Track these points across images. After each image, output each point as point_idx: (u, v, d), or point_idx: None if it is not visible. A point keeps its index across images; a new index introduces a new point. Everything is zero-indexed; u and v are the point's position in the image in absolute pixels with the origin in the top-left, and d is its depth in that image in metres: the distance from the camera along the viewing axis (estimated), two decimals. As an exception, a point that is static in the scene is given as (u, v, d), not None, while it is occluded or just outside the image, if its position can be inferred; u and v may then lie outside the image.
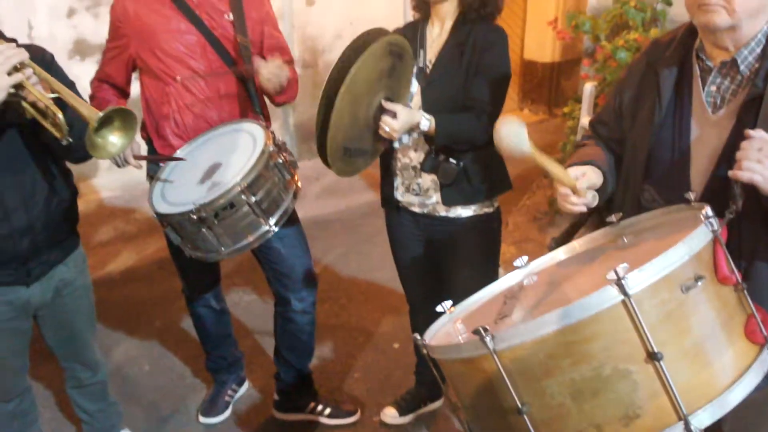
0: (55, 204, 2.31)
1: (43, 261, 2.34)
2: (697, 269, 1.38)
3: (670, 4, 4.88)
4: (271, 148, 2.38)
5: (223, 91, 2.68)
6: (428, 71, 2.49)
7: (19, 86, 1.97)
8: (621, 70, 4.57)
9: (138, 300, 4.29)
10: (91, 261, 4.72)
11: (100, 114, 1.92)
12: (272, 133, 2.52)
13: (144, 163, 2.66)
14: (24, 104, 2.03)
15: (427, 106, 2.44)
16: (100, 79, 2.78)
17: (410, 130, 2.38)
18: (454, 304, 1.75)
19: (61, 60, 5.07)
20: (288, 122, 6.46)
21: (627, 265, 1.28)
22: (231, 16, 2.65)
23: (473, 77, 2.40)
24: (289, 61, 2.74)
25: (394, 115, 2.27)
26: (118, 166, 2.55)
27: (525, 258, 1.84)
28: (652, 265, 1.32)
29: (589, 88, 5.04)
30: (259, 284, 4.16)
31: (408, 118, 2.30)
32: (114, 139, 2.01)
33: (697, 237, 1.41)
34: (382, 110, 2.28)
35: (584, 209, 1.82)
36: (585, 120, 5.05)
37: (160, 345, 3.85)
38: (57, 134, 2.02)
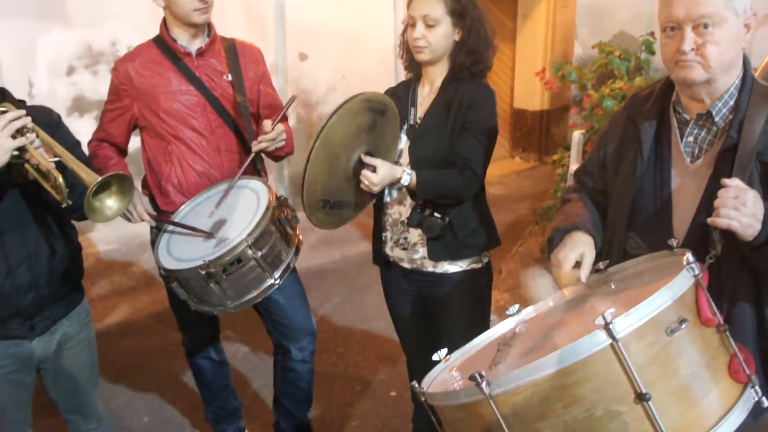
0: (59, 260, 2.37)
1: (47, 316, 2.38)
2: (681, 312, 1.45)
3: (653, 53, 5.04)
4: (275, 204, 2.46)
5: (224, 148, 2.77)
6: (417, 127, 2.57)
7: (22, 149, 2.07)
8: (608, 118, 4.69)
9: (136, 352, 4.32)
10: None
11: (99, 179, 2.00)
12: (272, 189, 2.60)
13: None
14: (27, 166, 2.12)
15: (414, 162, 2.52)
16: (99, 139, 2.85)
17: (392, 185, 2.44)
18: (449, 353, 1.80)
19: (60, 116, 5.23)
20: (282, 174, 6.54)
21: (614, 310, 1.35)
22: (229, 77, 2.75)
23: (459, 133, 2.47)
24: (284, 118, 2.84)
25: (374, 169, 2.33)
26: (129, 221, 2.63)
27: (516, 306, 1.90)
28: (637, 309, 1.39)
29: (577, 135, 5.16)
30: (255, 335, 4.21)
31: (388, 172, 2.35)
32: (111, 203, 2.10)
33: (679, 282, 1.48)
34: (362, 164, 2.35)
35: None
36: (574, 167, 5.15)
37: (159, 397, 3.86)
38: (57, 196, 2.09)
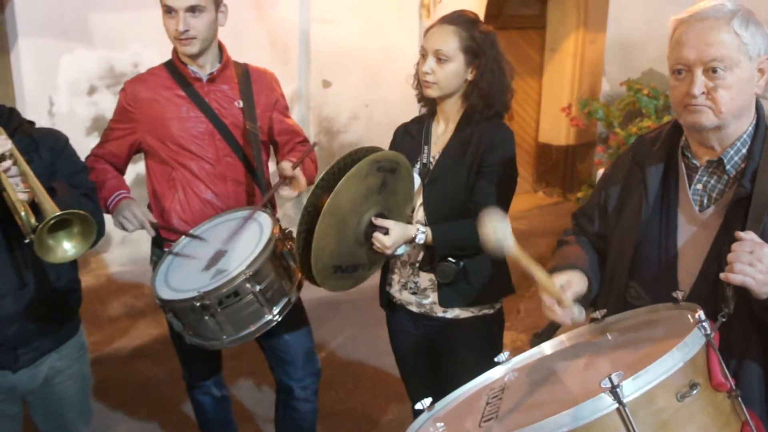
0: (49, 293, 2.27)
1: (34, 348, 2.28)
2: (692, 376, 1.34)
3: (682, 92, 4.92)
4: (277, 237, 2.37)
5: (230, 177, 2.69)
6: (431, 167, 2.46)
7: None
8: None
9: (143, 379, 4.24)
10: (99, 337, 4.79)
11: (58, 212, 1.86)
12: (278, 221, 2.53)
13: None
14: (4, 194, 2.00)
15: (428, 205, 2.42)
16: (97, 155, 2.77)
17: (407, 243, 2.33)
18: (434, 401, 1.70)
19: (79, 136, 5.24)
20: (302, 201, 6.47)
21: (622, 372, 1.24)
22: (240, 104, 2.68)
23: (476, 178, 2.36)
24: (303, 141, 2.78)
25: (386, 231, 2.24)
26: (125, 229, 2.56)
27: (506, 353, 1.80)
28: (647, 372, 1.28)
29: (601, 174, 5.05)
30: (261, 368, 4.06)
31: (401, 233, 2.26)
32: (67, 245, 1.94)
33: (690, 342, 1.37)
34: (374, 227, 2.26)
35: (569, 323, 1.78)
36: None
37: (160, 427, 3.77)
38: (23, 230, 1.95)
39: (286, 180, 2.57)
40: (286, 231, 2.46)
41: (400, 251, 2.37)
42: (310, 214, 2.17)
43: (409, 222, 2.44)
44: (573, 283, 1.83)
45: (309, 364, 2.84)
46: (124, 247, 5.68)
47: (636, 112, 5.11)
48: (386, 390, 4.11)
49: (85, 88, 5.42)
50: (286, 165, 2.56)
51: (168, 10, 2.53)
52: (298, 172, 2.57)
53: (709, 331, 1.40)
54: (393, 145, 2.62)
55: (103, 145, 2.78)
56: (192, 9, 2.53)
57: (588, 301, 1.92)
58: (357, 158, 2.19)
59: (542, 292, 1.78)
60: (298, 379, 2.84)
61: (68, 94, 5.36)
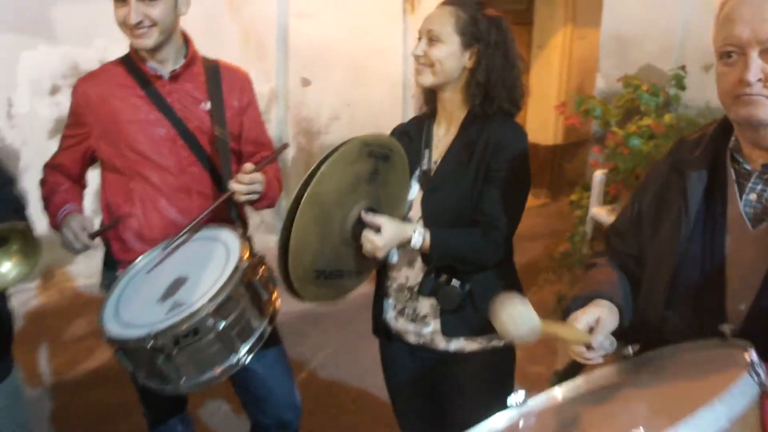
0: None
1: None
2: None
3: (683, 88, 4.64)
4: (247, 263, 2.03)
5: (195, 190, 2.34)
6: (432, 174, 2.15)
7: None
8: (634, 158, 4.29)
9: (108, 406, 3.86)
10: (62, 359, 4.42)
11: None
12: (249, 242, 2.19)
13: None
14: None
15: (428, 216, 2.10)
16: (51, 166, 2.45)
17: (401, 246, 2.02)
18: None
19: (41, 139, 4.87)
20: (281, 206, 6.17)
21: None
22: (208, 105, 2.34)
23: (483, 184, 2.05)
24: (272, 158, 2.44)
25: (378, 229, 1.92)
26: (73, 250, 2.23)
27: (522, 393, 1.52)
28: (686, 426, 1.02)
29: (599, 176, 4.76)
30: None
31: (395, 232, 1.94)
32: (6, 266, 1.70)
33: (739, 392, 1.10)
34: (363, 224, 1.95)
35: (601, 360, 1.53)
36: (595, 210, 4.76)
37: (125, 462, 3.43)
38: None
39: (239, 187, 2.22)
40: (257, 256, 2.12)
41: (393, 258, 2.05)
42: (292, 213, 1.85)
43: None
44: (603, 320, 1.55)
45: (288, 400, 2.52)
46: (91, 259, 5.28)
47: (634, 110, 4.81)
48: (371, 415, 3.78)
49: (47, 87, 5.06)
50: (248, 165, 2.23)
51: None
52: (256, 176, 2.23)
53: (764, 377, 1.14)
54: None
55: (56, 155, 2.46)
56: None
57: (619, 335, 1.62)
58: (342, 144, 1.90)
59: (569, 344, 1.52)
60: (276, 417, 2.50)
61: (29, 93, 4.99)
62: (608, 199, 4.83)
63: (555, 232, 6.40)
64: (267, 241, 6.20)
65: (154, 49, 2.26)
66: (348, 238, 1.96)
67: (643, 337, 1.59)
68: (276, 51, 5.88)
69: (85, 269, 5.32)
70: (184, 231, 2.21)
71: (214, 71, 2.38)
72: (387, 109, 6.49)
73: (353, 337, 4.62)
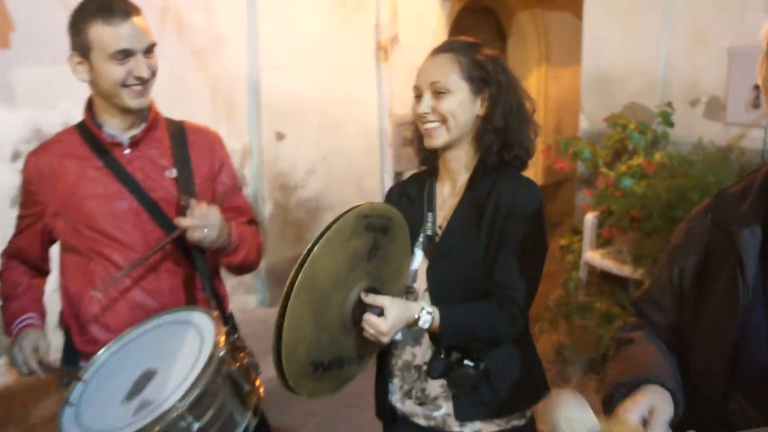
0: None
1: None
2: None
3: (671, 125, 4.50)
4: (224, 350, 1.77)
5: (163, 268, 2.09)
6: (437, 240, 1.92)
7: None
8: (628, 199, 4.11)
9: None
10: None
11: None
12: (232, 320, 1.95)
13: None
14: None
15: (434, 288, 1.87)
16: (10, 255, 2.21)
17: (407, 327, 1.77)
18: None
19: (3, 207, 4.59)
20: (260, 266, 5.92)
21: None
22: (174, 173, 2.10)
23: (496, 251, 1.82)
24: (250, 222, 2.20)
25: (380, 311, 1.68)
26: (20, 371, 1.97)
27: None
28: None
29: (590, 219, 4.59)
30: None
31: (400, 314, 1.70)
32: None
33: None
34: (363, 306, 1.71)
35: None
36: (589, 255, 4.57)
37: None
38: None
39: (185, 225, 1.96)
40: (235, 339, 1.87)
41: (397, 335, 1.82)
42: (284, 303, 1.60)
43: (406, 297, 1.90)
44: (658, 410, 1.31)
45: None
46: (59, 333, 5.00)
47: (623, 150, 4.66)
48: (371, 491, 3.48)
49: (8, 153, 4.77)
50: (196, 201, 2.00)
51: (122, 55, 1.95)
52: (205, 207, 1.98)
53: None
54: None
55: (13, 239, 2.22)
56: (150, 50, 2.01)
57: (675, 426, 1.39)
58: (336, 220, 1.66)
59: None
60: None
61: (-12, 161, 4.71)
62: (601, 242, 4.65)
63: (546, 278, 6.20)
64: (247, 303, 5.93)
65: (137, 110, 2.06)
66: (348, 323, 1.72)
67: (701, 422, 1.36)
68: (248, 105, 5.67)
69: (55, 343, 5.00)
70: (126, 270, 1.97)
71: (179, 134, 2.15)
72: (364, 159, 6.30)
73: (343, 402, 4.31)
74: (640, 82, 4.87)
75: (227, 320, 2.16)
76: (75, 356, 2.12)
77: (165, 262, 2.08)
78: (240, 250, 2.12)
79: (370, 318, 1.67)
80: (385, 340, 1.69)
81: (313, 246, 1.57)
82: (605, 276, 4.60)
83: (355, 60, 6.14)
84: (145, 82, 2.00)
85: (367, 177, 6.36)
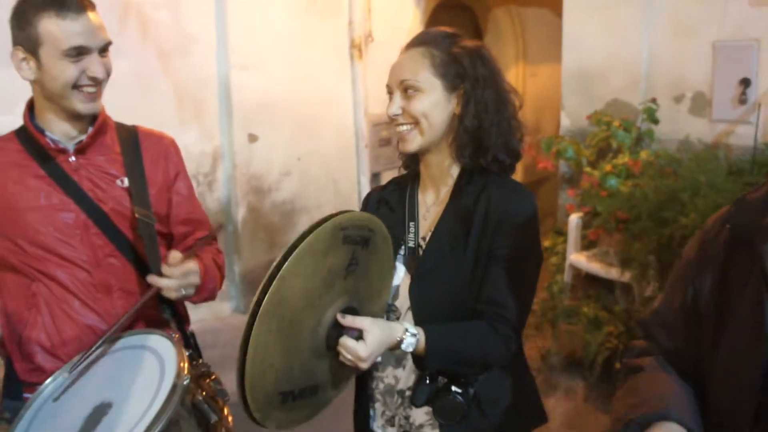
0: None
1: None
2: None
3: (656, 121, 4.35)
4: (187, 379, 1.58)
5: (116, 287, 1.88)
6: (421, 254, 1.72)
7: None
8: (614, 199, 3.96)
9: None
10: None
11: None
12: (194, 341, 1.75)
13: None
14: None
15: (418, 306, 1.68)
16: None
17: (390, 350, 1.58)
18: None
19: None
20: (233, 271, 5.72)
21: None
22: (126, 182, 1.90)
23: (486, 265, 1.63)
24: (207, 238, 2.00)
25: (359, 334, 1.50)
26: None
27: None
28: None
29: (575, 220, 4.44)
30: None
31: (381, 336, 1.51)
32: None
33: None
34: (340, 328, 1.52)
35: None
36: (573, 257, 4.41)
37: None
38: None
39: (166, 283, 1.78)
40: (200, 365, 1.68)
41: (378, 358, 1.64)
42: (248, 328, 1.41)
43: (387, 316, 1.71)
44: None
45: None
46: None
47: (606, 148, 4.51)
48: None
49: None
50: (175, 253, 1.80)
51: (76, 53, 1.75)
52: (189, 265, 1.80)
53: None
54: None
55: None
56: (106, 49, 1.82)
57: None
58: (309, 230, 1.45)
59: None
60: None
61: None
62: (585, 243, 4.50)
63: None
64: (222, 310, 5.72)
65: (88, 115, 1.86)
66: (321, 348, 1.53)
67: None
68: (218, 107, 5.47)
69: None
70: (99, 343, 1.75)
71: (131, 139, 1.95)
72: (340, 161, 6.13)
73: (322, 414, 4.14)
74: (622, 78, 4.73)
75: (188, 342, 1.97)
76: (17, 387, 1.88)
77: (119, 282, 1.88)
78: (203, 291, 1.91)
79: (347, 342, 1.49)
80: (365, 366, 1.51)
81: (281, 263, 1.38)
82: (591, 279, 4.46)
83: (328, 59, 5.96)
84: (98, 84, 1.81)
85: (343, 179, 6.19)
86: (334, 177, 6.10)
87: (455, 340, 1.59)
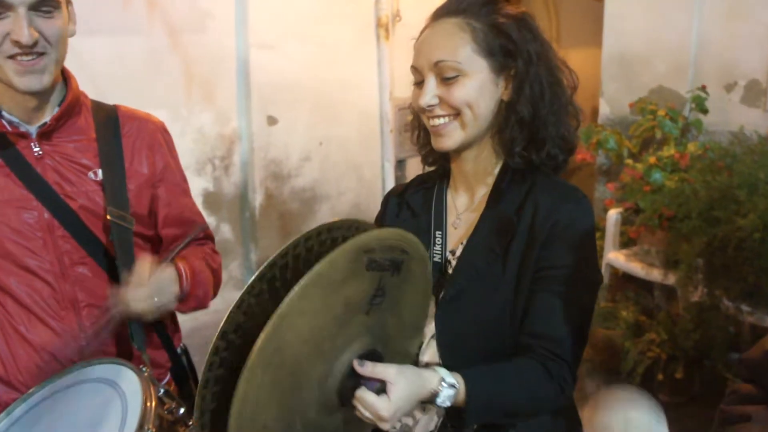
0: None
1: None
2: None
3: (705, 111, 4.01)
4: (153, 419, 1.30)
5: (85, 302, 1.60)
6: (450, 272, 1.42)
7: None
8: (659, 195, 3.64)
9: None
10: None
11: None
12: (178, 364, 1.50)
13: None
14: None
15: (445, 338, 1.38)
16: None
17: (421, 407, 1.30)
18: None
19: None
20: (250, 259, 5.50)
21: None
22: (100, 175, 1.61)
23: (532, 288, 1.33)
24: (203, 239, 1.73)
25: (380, 386, 1.19)
26: None
27: None
28: None
29: (614, 216, 4.12)
30: None
31: (410, 390, 1.19)
32: None
33: None
34: (357, 377, 1.21)
35: None
36: (611, 255, 4.10)
37: None
38: None
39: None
40: (170, 403, 1.40)
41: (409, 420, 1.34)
42: (233, 350, 1.11)
43: (416, 362, 1.40)
44: None
45: None
46: None
47: (650, 139, 4.18)
48: None
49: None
50: (143, 261, 1.52)
51: None
52: (167, 273, 1.53)
53: None
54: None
55: None
56: (46, 5, 1.47)
57: None
58: (325, 250, 1.11)
59: None
60: None
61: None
62: (624, 241, 4.18)
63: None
64: (236, 299, 5.51)
65: (42, 92, 1.54)
66: (333, 402, 1.22)
67: None
68: (236, 87, 5.22)
69: None
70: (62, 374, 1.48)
71: (109, 123, 1.65)
72: (363, 146, 5.87)
73: None
74: (668, 64, 4.38)
75: (177, 362, 1.69)
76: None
77: (89, 296, 1.61)
78: (190, 300, 1.64)
79: (366, 397, 1.18)
80: (387, 427, 1.21)
81: (281, 305, 1.05)
82: (628, 279, 4.15)
83: (353, 38, 5.71)
84: (33, 52, 1.47)
85: (366, 165, 5.93)
86: (356, 163, 5.85)
87: (501, 387, 1.29)
